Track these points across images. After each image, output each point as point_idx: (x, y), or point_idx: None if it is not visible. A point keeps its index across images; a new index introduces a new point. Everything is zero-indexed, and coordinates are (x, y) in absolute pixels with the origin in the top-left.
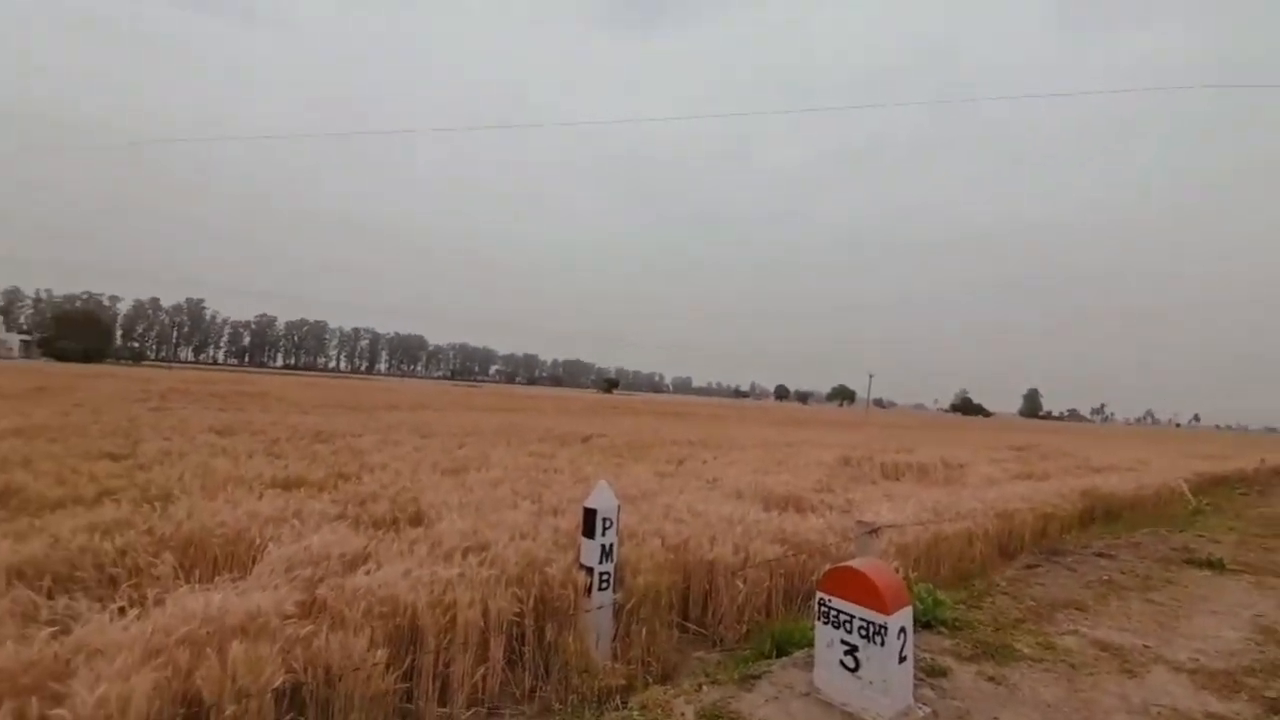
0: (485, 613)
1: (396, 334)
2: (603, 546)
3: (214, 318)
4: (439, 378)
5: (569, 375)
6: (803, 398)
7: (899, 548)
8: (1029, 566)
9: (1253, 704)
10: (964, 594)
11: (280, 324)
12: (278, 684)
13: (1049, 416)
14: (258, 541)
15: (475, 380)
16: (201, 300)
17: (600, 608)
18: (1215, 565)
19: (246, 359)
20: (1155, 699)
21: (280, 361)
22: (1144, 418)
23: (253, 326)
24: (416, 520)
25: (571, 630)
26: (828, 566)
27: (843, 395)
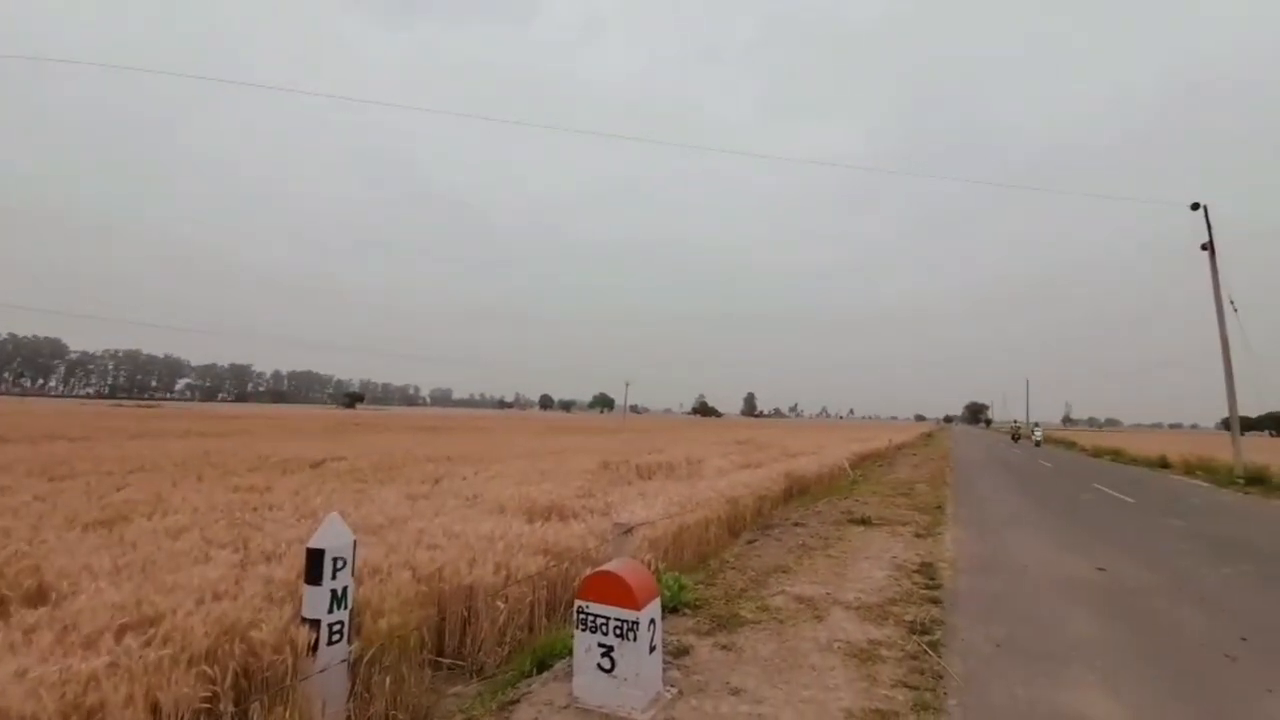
0: (154, 708)
1: (11, 335)
2: (333, 592)
3: None
4: (88, 396)
5: (298, 389)
6: (566, 406)
7: (650, 541)
8: (749, 542)
9: (898, 627)
10: (703, 574)
11: None
12: None
13: (761, 415)
14: None
15: (152, 399)
16: None
17: (326, 668)
18: (867, 522)
19: None
20: (835, 636)
21: None
22: (821, 413)
23: None
24: (38, 598)
25: (289, 703)
26: (587, 572)
27: (603, 403)
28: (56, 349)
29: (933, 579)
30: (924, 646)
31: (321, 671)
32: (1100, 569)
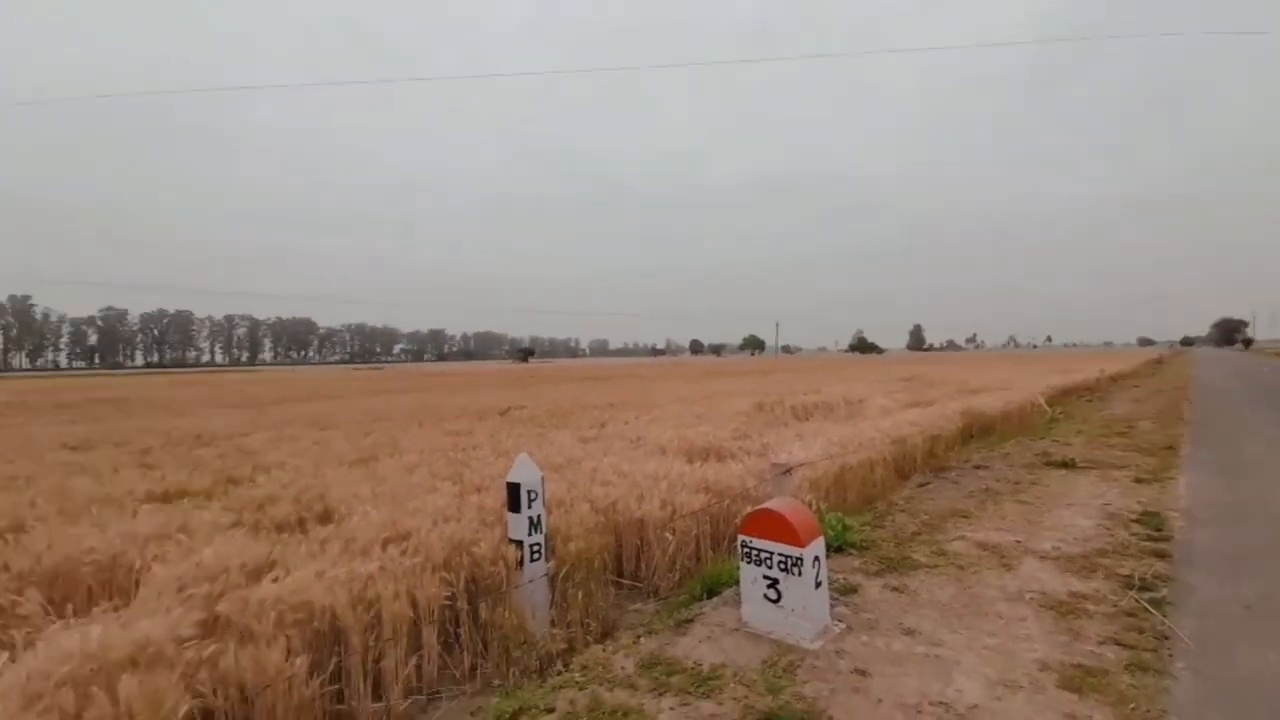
0: (414, 602)
1: (279, 319)
2: (530, 519)
3: (47, 316)
4: (336, 363)
5: (481, 348)
6: (716, 350)
7: (811, 482)
8: (921, 485)
9: (1109, 581)
10: (869, 516)
11: (133, 317)
12: (184, 711)
13: (931, 349)
14: (138, 564)
15: (379, 363)
16: (28, 297)
17: (533, 580)
18: (1069, 465)
19: (96, 360)
20: (1027, 586)
21: (140, 360)
22: (1008, 343)
23: (98, 323)
24: (325, 518)
25: (506, 606)
26: (748, 509)
27: (753, 345)
28: (309, 327)
29: (1158, 529)
30: (1143, 603)
31: (530, 582)
32: None
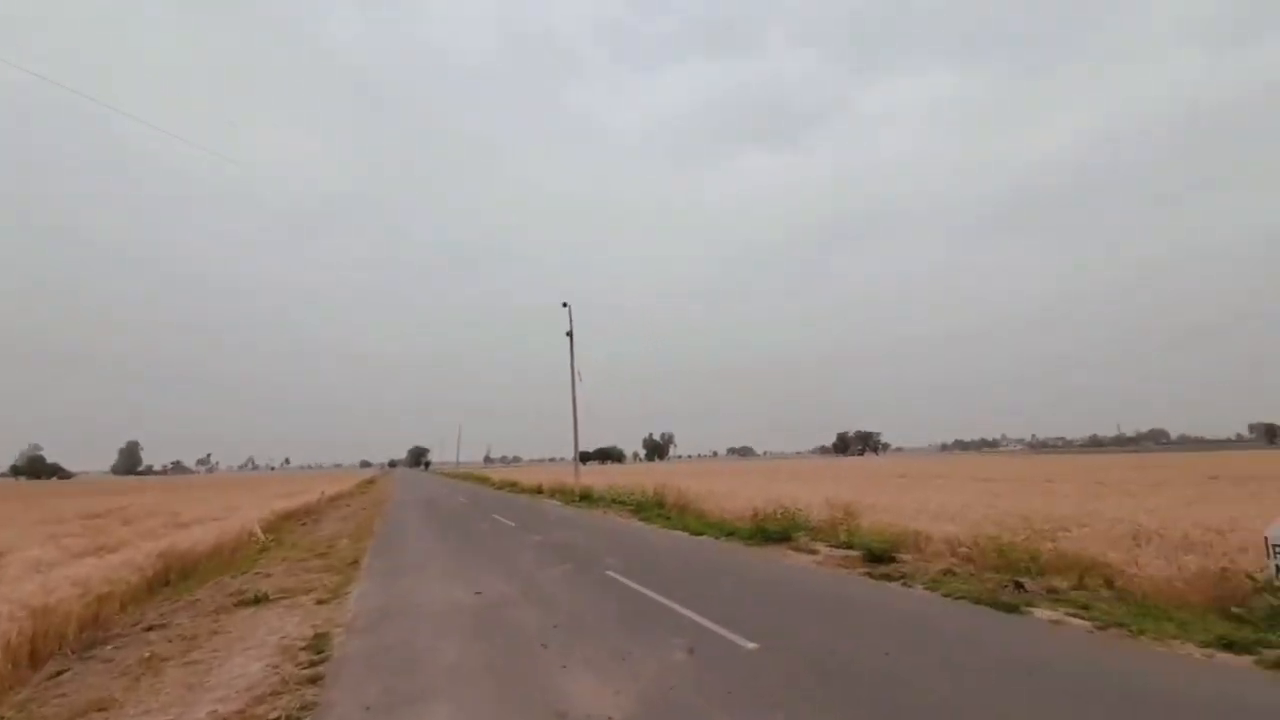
0: None
1: None
2: None
3: None
4: None
5: None
6: None
7: None
8: (55, 675)
9: None
10: None
11: None
12: None
13: (151, 471)
14: None
15: None
16: None
17: None
18: (260, 600)
19: None
20: None
21: None
22: (246, 464)
23: None
24: None
25: None
26: None
27: None
28: None
29: (320, 651)
30: None
31: None
32: (478, 593)
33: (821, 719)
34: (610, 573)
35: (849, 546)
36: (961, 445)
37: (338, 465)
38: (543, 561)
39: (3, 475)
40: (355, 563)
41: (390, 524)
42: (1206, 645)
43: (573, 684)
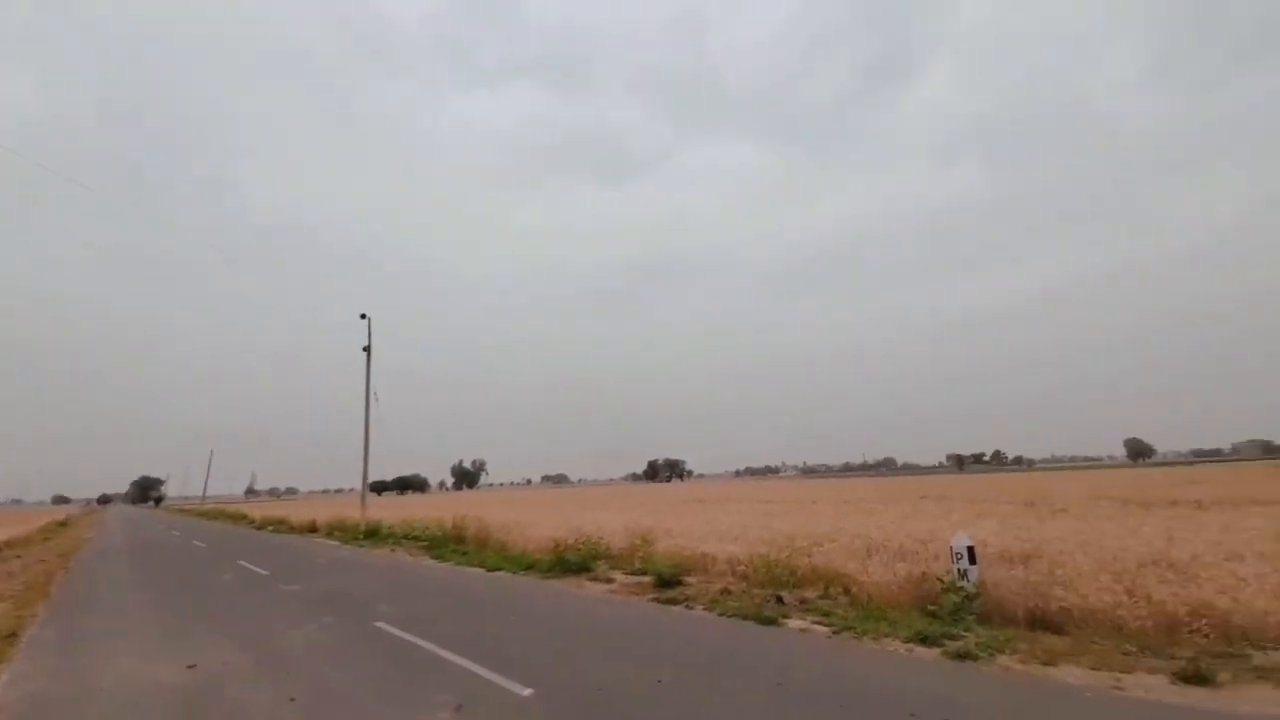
0: None
1: None
2: None
3: None
4: None
5: None
6: None
7: None
8: None
9: None
10: None
11: None
12: None
13: None
14: None
15: None
16: None
17: None
18: None
19: None
20: None
21: None
22: None
23: None
24: None
25: None
26: None
27: None
28: None
29: None
30: None
31: None
32: (191, 666)
33: None
34: (380, 624)
35: (644, 573)
36: (751, 471)
37: (16, 502)
38: (294, 618)
39: None
40: (13, 634)
41: (82, 581)
42: (909, 640)
43: None
